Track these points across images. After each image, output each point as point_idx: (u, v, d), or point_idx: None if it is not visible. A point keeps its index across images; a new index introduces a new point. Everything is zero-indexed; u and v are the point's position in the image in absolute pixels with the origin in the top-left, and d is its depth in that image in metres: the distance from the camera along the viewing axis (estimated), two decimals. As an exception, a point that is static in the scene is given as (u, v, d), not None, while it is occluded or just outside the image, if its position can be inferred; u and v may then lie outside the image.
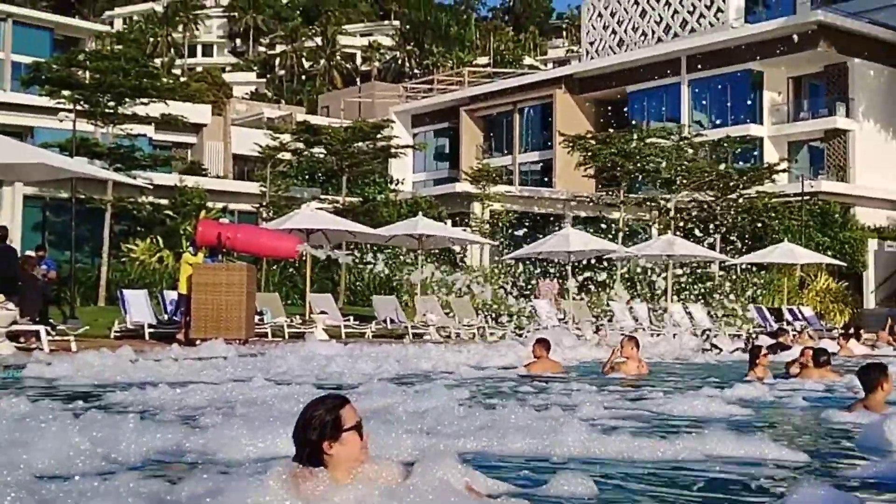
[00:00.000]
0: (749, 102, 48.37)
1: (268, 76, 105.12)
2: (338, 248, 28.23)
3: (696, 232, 35.11)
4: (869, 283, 41.04)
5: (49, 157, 17.65)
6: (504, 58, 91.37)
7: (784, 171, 42.24)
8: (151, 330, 20.33)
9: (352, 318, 25.06)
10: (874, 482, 5.79)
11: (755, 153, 46.55)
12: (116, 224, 31.13)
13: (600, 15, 59.68)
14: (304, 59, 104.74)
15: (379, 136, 38.29)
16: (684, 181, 39.13)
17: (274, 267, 31.60)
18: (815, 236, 39.73)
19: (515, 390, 11.33)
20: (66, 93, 29.81)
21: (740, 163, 43.03)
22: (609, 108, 51.99)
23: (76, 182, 24.15)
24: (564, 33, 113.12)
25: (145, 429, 6.42)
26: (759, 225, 39.28)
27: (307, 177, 41.84)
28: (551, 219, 42.36)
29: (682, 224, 38.18)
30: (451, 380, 12.83)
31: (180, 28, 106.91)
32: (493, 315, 26.98)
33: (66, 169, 18.21)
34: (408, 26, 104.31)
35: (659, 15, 56.20)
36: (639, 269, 33.22)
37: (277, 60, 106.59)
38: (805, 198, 40.21)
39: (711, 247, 35.13)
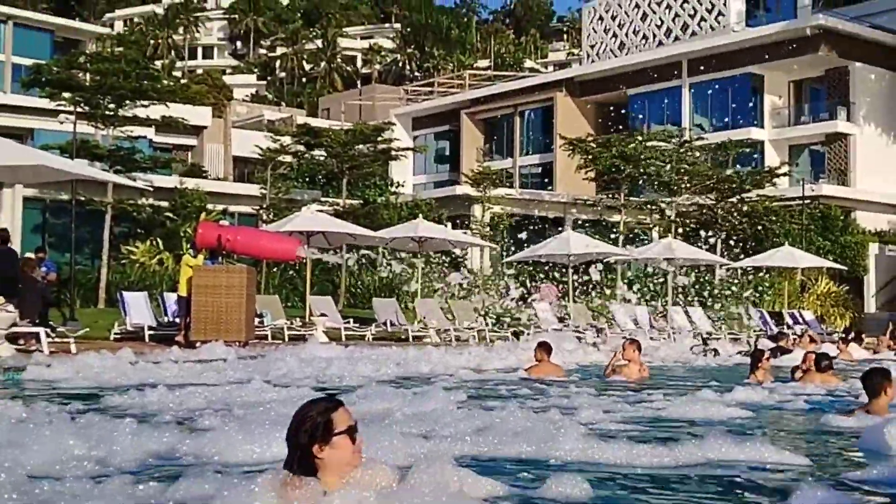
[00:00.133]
0: (750, 106, 48.35)
1: (268, 78, 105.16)
2: (337, 250, 28.20)
3: (701, 233, 35.12)
4: (870, 287, 41.03)
5: (49, 159, 17.66)
6: (505, 61, 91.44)
7: (785, 174, 42.23)
8: (151, 332, 20.31)
9: (352, 320, 25.03)
10: (875, 486, 5.78)
11: (756, 157, 46.57)
12: (116, 226, 31.12)
13: (601, 18, 59.71)
14: (304, 62, 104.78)
15: (379, 138, 38.31)
16: (685, 185, 39.12)
17: (274, 269, 31.59)
18: (816, 240, 39.72)
19: (515, 393, 11.31)
20: (66, 95, 29.80)
21: (738, 166, 43.01)
22: (610, 111, 51.94)
23: (76, 184, 24.13)
24: (565, 36, 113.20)
25: (141, 431, 6.40)
26: (760, 228, 39.26)
27: (307, 179, 41.84)
28: (552, 222, 42.34)
29: (682, 229, 38.18)
30: (450, 383, 12.81)
31: (181, 30, 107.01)
32: (494, 318, 26.97)
33: (67, 171, 18.22)
34: (408, 29, 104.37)
35: (660, 18, 56.22)
36: (646, 272, 33.24)
37: (278, 63, 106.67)
38: (806, 202, 40.21)
39: (712, 250, 35.13)
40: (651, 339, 25.17)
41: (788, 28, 46.18)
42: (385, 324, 24.81)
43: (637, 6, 57.37)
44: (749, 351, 20.16)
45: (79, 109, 29.68)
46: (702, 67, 48.59)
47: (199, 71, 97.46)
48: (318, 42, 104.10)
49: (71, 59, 32.46)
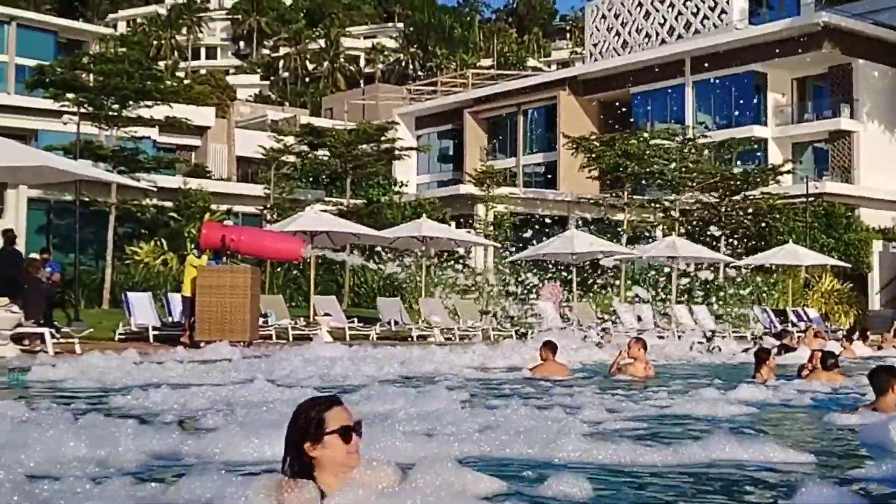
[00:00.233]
0: (753, 104, 48.31)
1: (271, 78, 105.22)
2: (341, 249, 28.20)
3: (712, 228, 35.06)
4: (874, 285, 40.98)
5: (53, 160, 17.67)
6: (508, 59, 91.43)
7: (788, 172, 42.20)
8: (156, 332, 20.32)
9: (356, 319, 25.04)
10: (879, 483, 5.77)
11: (759, 155, 46.53)
12: (120, 226, 31.16)
13: (604, 17, 59.67)
14: (307, 62, 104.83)
15: (383, 138, 38.33)
16: (689, 183, 39.09)
17: (278, 269, 31.61)
18: (820, 237, 39.68)
19: (518, 393, 11.30)
20: (70, 95, 29.85)
21: (741, 163, 42.96)
22: (613, 109, 51.94)
23: (80, 185, 24.16)
24: (568, 35, 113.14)
25: (143, 432, 6.41)
26: (764, 226, 39.23)
27: (311, 179, 41.86)
28: (555, 221, 42.32)
29: (687, 227, 38.15)
30: (454, 382, 12.81)
31: (184, 31, 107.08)
32: (498, 317, 26.96)
33: (71, 171, 18.22)
34: (411, 28, 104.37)
35: (663, 16, 56.17)
36: (645, 270, 33.25)
37: (281, 63, 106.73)
38: (809, 199, 40.17)
39: (716, 246, 35.11)
40: (658, 337, 25.15)
41: (792, 26, 46.13)
42: (389, 323, 24.83)
43: (640, 4, 57.34)
44: (753, 349, 20.12)
45: (82, 110, 29.72)
46: (705, 65, 48.53)
47: (203, 71, 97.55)
48: (322, 42, 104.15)
49: (74, 60, 32.52)
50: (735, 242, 36.57)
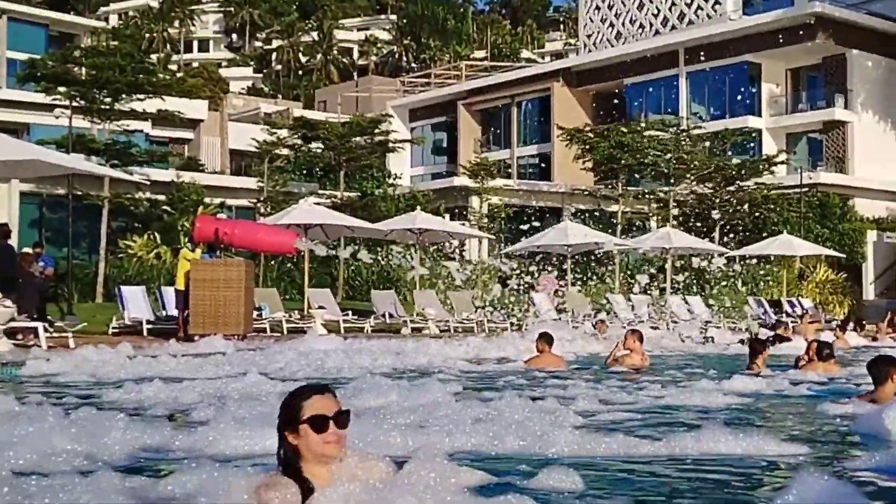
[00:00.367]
0: (747, 94, 48.31)
1: (264, 71, 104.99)
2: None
3: (714, 214, 35.03)
4: (868, 275, 41.03)
5: (45, 154, 17.64)
6: (501, 51, 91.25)
7: (783, 163, 42.19)
8: (149, 326, 20.30)
9: (350, 312, 25.04)
10: (872, 473, 5.76)
11: (753, 145, 46.55)
12: (114, 220, 31.09)
13: (598, 8, 59.58)
14: (300, 54, 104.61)
15: (376, 130, 38.27)
16: (683, 174, 39.09)
17: (272, 262, 31.57)
18: (815, 228, 39.72)
19: (513, 385, 11.29)
20: (61, 89, 29.75)
21: (736, 154, 42.96)
22: (607, 100, 51.91)
23: (73, 178, 24.12)
24: (562, 26, 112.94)
25: (134, 426, 6.38)
26: (758, 215, 39.25)
27: (305, 172, 41.79)
28: (550, 212, 42.31)
29: (681, 218, 38.17)
30: (448, 374, 12.80)
31: (176, 23, 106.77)
32: (492, 309, 26.96)
33: (63, 165, 18.18)
34: (405, 20, 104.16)
35: (657, 7, 56.10)
36: (639, 261, 33.26)
37: (274, 55, 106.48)
38: (804, 189, 40.19)
39: (711, 236, 35.15)
40: (652, 328, 25.16)
41: (785, 16, 46.11)
42: (384, 316, 24.82)
43: (633, -5, 57.28)
44: (748, 339, 20.14)
45: (74, 104, 29.64)
46: (699, 56, 48.51)
47: (195, 64, 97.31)
48: (314, 34, 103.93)
49: (66, 54, 32.40)
50: (731, 234, 36.61)
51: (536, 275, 29.84)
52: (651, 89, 51.34)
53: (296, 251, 23.46)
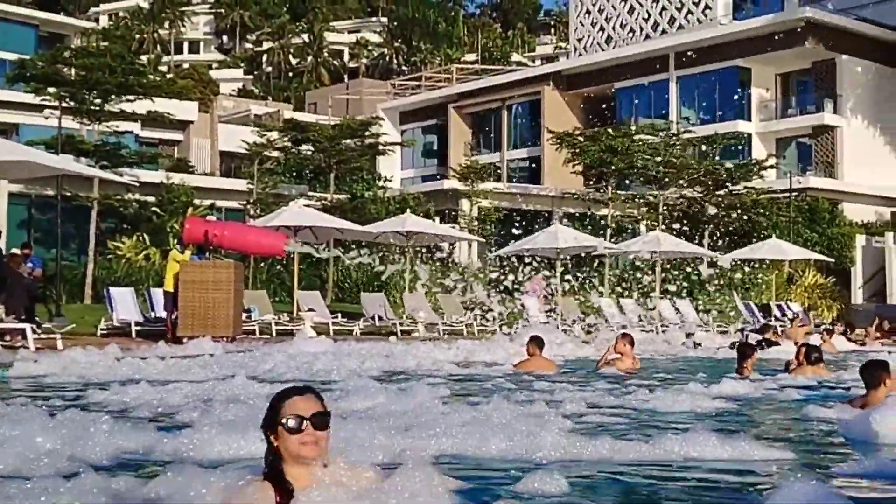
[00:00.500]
0: (737, 99, 48.44)
1: (255, 73, 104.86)
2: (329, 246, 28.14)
3: (711, 209, 35.08)
4: (857, 279, 41.14)
5: (34, 155, 17.58)
6: (492, 54, 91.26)
7: (772, 167, 42.29)
8: (138, 328, 20.25)
9: (340, 315, 25.01)
10: (861, 476, 5.78)
11: (742, 149, 46.66)
12: (103, 221, 31.02)
13: (588, 11, 59.69)
14: (291, 56, 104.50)
15: (367, 133, 38.25)
16: (673, 178, 39.15)
17: (261, 264, 31.52)
18: (804, 232, 39.81)
19: (503, 388, 11.28)
20: (51, 90, 29.68)
21: (724, 158, 43.05)
22: (597, 104, 52.00)
23: (62, 179, 24.05)
24: (552, 30, 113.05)
25: (118, 428, 6.35)
26: (746, 218, 39.33)
27: (295, 174, 41.76)
28: (540, 216, 42.35)
29: (668, 222, 38.20)
30: (436, 377, 12.79)
31: (166, 25, 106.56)
32: (482, 312, 26.96)
33: (52, 166, 18.12)
34: (395, 23, 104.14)
35: (647, 11, 56.22)
36: (629, 265, 33.29)
37: (264, 57, 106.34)
38: (793, 194, 40.29)
39: (700, 242, 35.22)
40: (641, 331, 25.20)
41: (775, 21, 46.25)
42: (373, 318, 24.81)
43: (624, 0, 57.38)
44: (737, 343, 20.17)
45: (64, 104, 29.56)
46: (689, 60, 48.64)
47: (186, 65, 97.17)
48: (305, 36, 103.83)
49: (56, 54, 32.31)
50: (719, 238, 36.69)
51: (525, 278, 29.85)
52: (641, 93, 51.43)
53: (284, 254, 23.44)
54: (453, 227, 35.85)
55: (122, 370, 12.72)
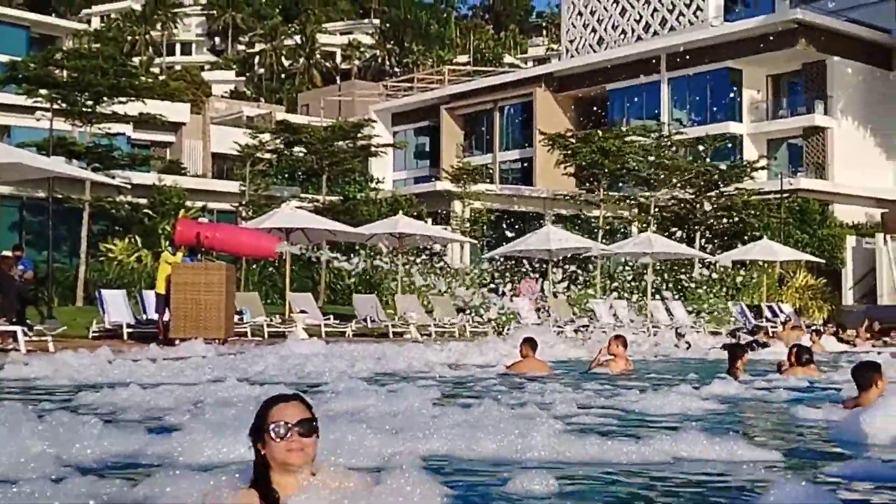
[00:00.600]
0: (728, 100, 48.54)
1: (247, 74, 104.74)
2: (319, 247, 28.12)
3: (688, 223, 35.16)
4: (847, 280, 41.25)
5: (26, 157, 17.54)
6: (484, 56, 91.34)
7: (763, 168, 42.42)
8: (130, 330, 20.23)
9: (332, 316, 25.01)
10: (851, 477, 5.80)
11: (734, 150, 46.78)
12: (94, 224, 30.95)
13: (580, 13, 59.77)
14: (283, 58, 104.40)
15: (359, 134, 38.24)
16: (664, 179, 39.23)
17: (253, 266, 31.50)
18: (794, 233, 39.91)
19: (496, 390, 11.30)
20: (43, 91, 29.61)
21: (716, 159, 43.14)
22: (589, 106, 52.08)
23: (53, 181, 23.98)
24: (544, 31, 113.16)
25: (107, 431, 6.35)
26: (737, 220, 39.43)
27: (287, 176, 41.70)
28: (532, 217, 42.39)
29: (660, 223, 38.29)
30: (428, 379, 12.80)
31: (158, 26, 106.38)
32: (474, 313, 26.97)
33: (44, 168, 18.09)
34: (388, 24, 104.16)
35: (639, 13, 56.32)
36: (620, 267, 33.35)
37: (257, 59, 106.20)
38: (784, 195, 40.40)
39: (691, 243, 35.28)
40: (633, 333, 25.23)
41: (766, 22, 46.37)
42: (365, 320, 24.81)
43: (616, 1, 57.47)
44: (728, 344, 20.22)
45: (56, 106, 29.50)
46: (680, 62, 48.72)
47: (178, 67, 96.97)
48: (297, 38, 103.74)
49: (47, 56, 32.25)
50: (712, 239, 36.77)
51: (517, 280, 29.89)
52: (633, 95, 51.49)
53: (276, 256, 23.43)
54: (445, 229, 35.86)
55: (114, 373, 12.71)
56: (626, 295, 30.68)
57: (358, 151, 38.85)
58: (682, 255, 32.04)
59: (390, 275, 29.57)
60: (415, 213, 36.04)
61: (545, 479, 5.09)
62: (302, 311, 23.59)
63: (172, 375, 12.44)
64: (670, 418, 8.77)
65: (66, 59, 30.94)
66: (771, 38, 45.49)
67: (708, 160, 41.23)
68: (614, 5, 57.64)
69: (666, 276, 31.88)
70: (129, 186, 28.99)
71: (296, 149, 38.02)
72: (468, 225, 40.05)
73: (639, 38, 55.33)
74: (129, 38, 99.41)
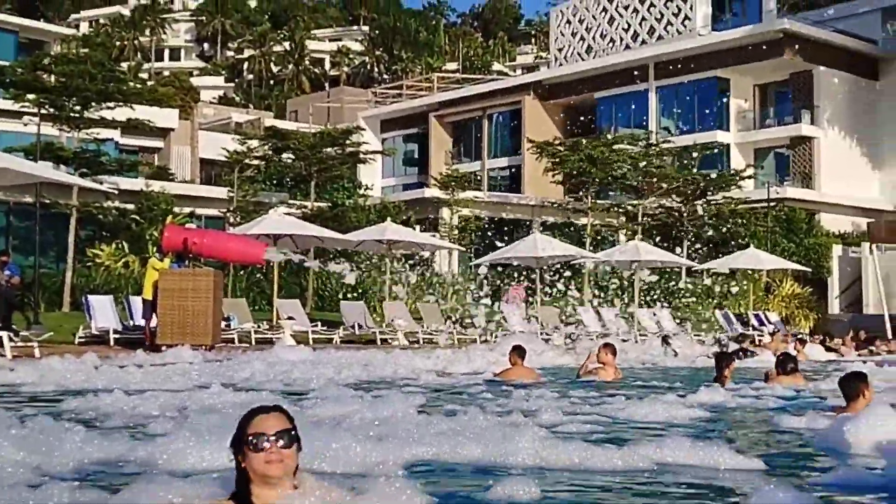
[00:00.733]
0: (716, 109, 48.74)
1: (236, 80, 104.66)
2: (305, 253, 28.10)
3: (675, 232, 35.25)
4: (833, 289, 41.43)
5: (13, 162, 17.50)
6: (473, 64, 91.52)
7: (750, 177, 42.58)
8: (116, 336, 20.18)
9: (319, 323, 24.99)
10: (835, 485, 5.84)
11: (721, 159, 46.95)
12: (82, 229, 30.87)
13: (569, 22, 59.92)
14: (272, 64, 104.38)
15: (348, 141, 38.26)
16: (652, 187, 39.35)
17: (241, 272, 31.46)
18: (781, 242, 40.08)
19: (483, 397, 11.31)
20: (30, 96, 29.53)
21: (703, 168, 43.30)
22: (577, 114, 52.20)
23: (41, 187, 23.92)
24: (533, 40, 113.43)
25: (89, 437, 6.34)
26: (725, 230, 39.57)
27: (275, 182, 41.69)
28: (520, 225, 42.46)
29: (647, 231, 38.39)
30: (414, 386, 12.81)
31: (147, 32, 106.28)
32: (461, 320, 27.00)
33: (31, 173, 18.05)
34: (377, 32, 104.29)
35: (627, 22, 56.48)
36: (608, 274, 33.45)
37: (245, 65, 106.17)
38: (771, 204, 40.56)
39: (677, 250, 35.38)
40: (623, 340, 25.29)
41: (754, 32, 46.57)
42: (353, 327, 24.79)
43: (604, 10, 57.62)
44: (715, 353, 20.26)
45: (43, 111, 29.43)
46: (668, 71, 48.91)
47: (166, 73, 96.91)
48: (286, 44, 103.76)
49: (35, 61, 32.18)
50: (698, 246, 36.89)
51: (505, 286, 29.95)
52: (621, 103, 51.64)
53: (264, 262, 23.40)
54: (434, 236, 35.90)
55: (100, 379, 12.67)
56: (613, 302, 30.75)
57: (346, 158, 38.87)
58: (669, 263, 32.12)
59: (378, 283, 29.60)
60: (403, 220, 36.06)
61: (528, 485, 5.10)
62: (289, 318, 23.55)
63: (159, 382, 12.40)
64: (656, 426, 8.78)
65: (54, 63, 30.88)
66: (758, 47, 45.70)
67: (694, 170, 41.38)
68: (603, 14, 57.80)
69: (653, 281, 31.98)
70: (116, 192, 28.94)
71: (284, 155, 38.01)
72: (456, 232, 40.09)
73: (627, 46, 55.49)
74: (118, 43, 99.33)
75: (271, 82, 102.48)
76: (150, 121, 34.67)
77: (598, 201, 40.35)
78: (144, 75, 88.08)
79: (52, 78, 30.39)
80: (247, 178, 38.20)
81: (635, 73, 50.39)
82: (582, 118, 50.93)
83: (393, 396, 9.67)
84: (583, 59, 57.12)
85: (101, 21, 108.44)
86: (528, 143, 44.41)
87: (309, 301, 30.83)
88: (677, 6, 53.99)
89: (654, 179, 39.10)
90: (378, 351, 20.20)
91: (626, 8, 56.54)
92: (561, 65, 58.80)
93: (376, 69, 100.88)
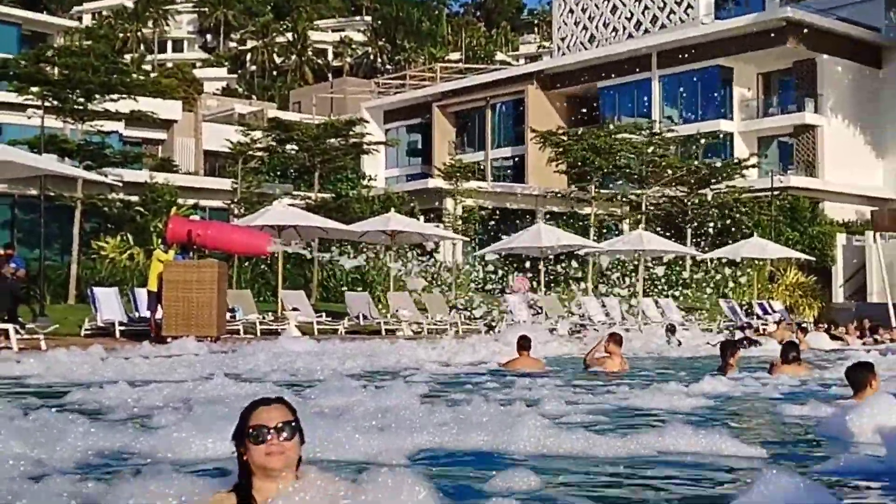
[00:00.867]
0: (719, 98, 48.66)
1: (239, 72, 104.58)
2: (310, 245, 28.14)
3: (679, 221, 35.22)
4: (837, 278, 41.42)
5: (17, 155, 17.56)
6: (476, 53, 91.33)
7: (754, 166, 42.54)
8: (122, 328, 20.24)
9: (324, 314, 25.03)
10: (838, 473, 5.86)
11: (725, 148, 46.91)
12: (86, 221, 30.90)
13: (571, 11, 59.82)
14: (275, 55, 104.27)
15: (351, 132, 38.26)
16: (655, 176, 39.34)
17: (246, 264, 31.48)
18: (785, 231, 40.06)
19: (488, 387, 11.35)
20: (34, 89, 29.56)
21: (706, 157, 43.26)
22: (580, 103, 52.14)
23: (45, 179, 23.97)
24: (536, 29, 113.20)
25: (93, 429, 6.36)
26: (729, 220, 39.56)
27: (279, 173, 41.71)
28: (524, 214, 42.46)
29: (650, 220, 38.40)
30: (418, 376, 12.84)
31: (150, 24, 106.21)
32: (467, 310, 27.03)
33: (35, 166, 18.10)
34: (379, 22, 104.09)
35: (630, 11, 56.40)
36: (613, 263, 33.46)
37: (248, 56, 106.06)
38: (775, 193, 40.53)
39: (681, 240, 35.38)
40: (625, 330, 25.30)
41: (757, 20, 46.47)
42: (358, 317, 24.83)
43: (607, -1, 57.57)
44: (720, 342, 20.27)
45: (47, 104, 29.44)
46: (671, 60, 48.83)
47: (169, 64, 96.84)
48: (289, 35, 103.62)
49: (39, 53, 32.19)
50: (702, 236, 36.90)
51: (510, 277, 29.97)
52: (624, 92, 51.57)
53: (268, 253, 23.45)
54: (438, 226, 35.91)
55: (106, 371, 12.72)
56: (617, 292, 30.75)
57: (350, 149, 38.88)
58: (673, 252, 32.12)
59: (382, 272, 29.63)
60: (407, 211, 36.08)
61: (530, 474, 5.13)
62: (294, 309, 23.62)
63: (164, 373, 12.46)
64: (659, 415, 8.81)
65: (57, 56, 30.89)
66: (761, 35, 45.62)
67: (697, 161, 41.35)
68: (605, 3, 57.71)
69: (658, 270, 31.99)
70: (120, 184, 28.98)
71: (288, 146, 38.02)
72: (460, 222, 40.10)
73: (630, 35, 55.41)
74: (121, 35, 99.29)
75: (274, 73, 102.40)
76: (154, 113, 34.71)
77: (602, 191, 40.34)
78: (148, 67, 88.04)
79: (56, 70, 30.40)
80: (251, 170, 38.22)
81: (638, 62, 50.32)
82: (585, 107, 50.87)
83: (397, 386, 9.71)
84: (586, 49, 57.04)
85: (104, 13, 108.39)
86: (531, 133, 44.40)
87: (314, 292, 30.88)
88: (680, -5, 53.93)
89: (658, 169, 39.07)
90: (383, 341, 20.25)
91: (629, -3, 56.47)
92: (564, 54, 58.73)
93: (379, 59, 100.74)
